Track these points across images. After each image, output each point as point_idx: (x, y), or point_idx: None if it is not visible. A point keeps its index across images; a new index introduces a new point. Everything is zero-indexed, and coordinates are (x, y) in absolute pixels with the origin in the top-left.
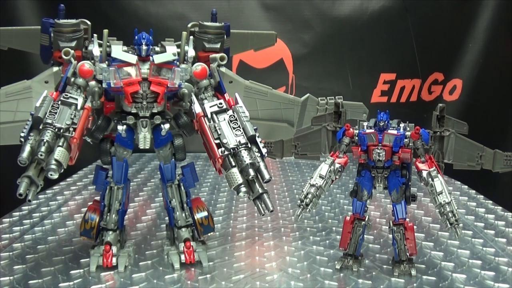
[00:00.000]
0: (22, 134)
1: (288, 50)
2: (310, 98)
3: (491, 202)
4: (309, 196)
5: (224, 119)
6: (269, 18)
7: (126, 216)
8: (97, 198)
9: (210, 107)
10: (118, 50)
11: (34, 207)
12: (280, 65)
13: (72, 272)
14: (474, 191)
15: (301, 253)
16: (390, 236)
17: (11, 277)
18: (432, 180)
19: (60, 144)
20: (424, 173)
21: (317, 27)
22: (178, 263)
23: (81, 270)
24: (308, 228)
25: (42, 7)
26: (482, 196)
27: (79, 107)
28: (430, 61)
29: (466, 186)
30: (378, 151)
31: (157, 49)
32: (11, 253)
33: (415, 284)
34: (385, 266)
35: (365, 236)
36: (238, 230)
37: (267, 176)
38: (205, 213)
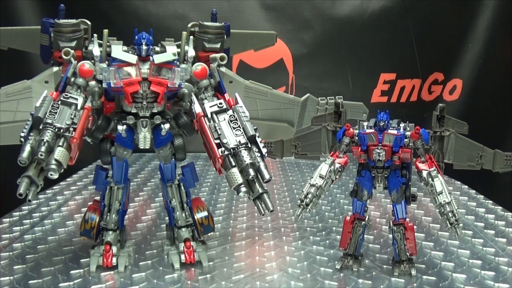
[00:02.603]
0: (22, 134)
1: (288, 50)
2: (310, 98)
3: (491, 202)
4: (309, 196)
5: (224, 119)
6: (269, 18)
7: (126, 216)
8: (97, 198)
9: (210, 107)
10: (118, 50)
11: (34, 207)
12: (280, 65)
13: (72, 272)
14: (474, 191)
15: (301, 253)
16: (390, 236)
17: (11, 277)
18: (432, 180)
19: (60, 144)
20: (424, 173)
21: (317, 27)
22: (178, 263)
23: (81, 270)
24: (308, 228)
25: (42, 7)
26: (482, 196)
27: (79, 107)
28: (430, 61)
29: (466, 186)
30: (378, 151)
31: (157, 49)
32: (11, 253)
33: (415, 284)
34: (385, 266)
35: (365, 236)
36: (238, 230)
37: (267, 176)
38: (205, 213)
